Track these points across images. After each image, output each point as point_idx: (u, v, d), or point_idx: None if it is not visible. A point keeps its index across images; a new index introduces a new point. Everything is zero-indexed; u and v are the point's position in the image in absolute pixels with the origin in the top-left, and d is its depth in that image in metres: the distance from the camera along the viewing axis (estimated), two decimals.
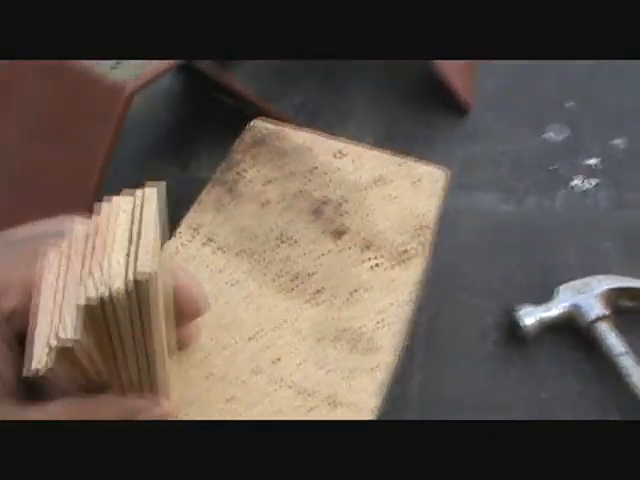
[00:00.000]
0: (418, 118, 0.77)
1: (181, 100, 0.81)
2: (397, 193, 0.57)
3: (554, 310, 0.59)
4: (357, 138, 0.76)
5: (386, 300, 0.50)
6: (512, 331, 0.59)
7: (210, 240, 0.53)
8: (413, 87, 0.79)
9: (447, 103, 0.77)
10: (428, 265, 0.53)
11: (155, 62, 0.59)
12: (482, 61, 0.80)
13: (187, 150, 0.76)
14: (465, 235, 0.67)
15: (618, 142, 0.73)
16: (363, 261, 0.52)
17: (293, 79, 0.80)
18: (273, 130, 0.61)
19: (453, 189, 0.72)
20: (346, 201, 0.56)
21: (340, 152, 0.60)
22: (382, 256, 0.52)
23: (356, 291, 0.50)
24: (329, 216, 0.55)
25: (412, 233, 0.54)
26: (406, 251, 0.53)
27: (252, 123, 0.62)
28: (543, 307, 0.59)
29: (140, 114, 0.76)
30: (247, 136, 0.61)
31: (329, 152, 0.60)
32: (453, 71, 0.76)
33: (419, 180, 0.58)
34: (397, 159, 0.60)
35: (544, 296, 0.60)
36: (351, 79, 0.80)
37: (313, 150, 0.60)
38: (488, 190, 0.71)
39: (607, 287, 0.59)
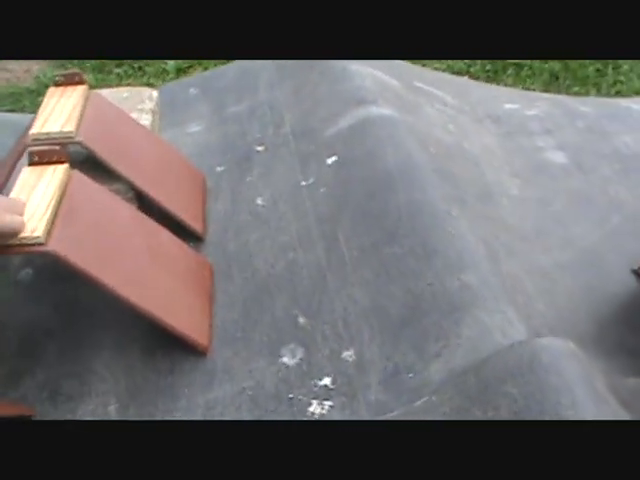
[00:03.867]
0: (160, 367, 0.78)
1: None
2: None
3: None
4: (102, 403, 0.77)
5: None
6: None
7: None
8: (152, 336, 0.80)
9: (186, 345, 0.78)
10: None
11: None
12: (216, 295, 0.83)
13: None
14: None
15: (348, 354, 0.75)
16: None
17: (36, 356, 0.81)
18: None
19: None
20: None
21: None
22: None
23: None
24: None
25: None
26: None
27: None
28: None
29: None
30: None
31: None
32: (182, 320, 0.78)
33: None
34: None
35: None
36: (90, 342, 0.81)
37: None
38: None
39: None
